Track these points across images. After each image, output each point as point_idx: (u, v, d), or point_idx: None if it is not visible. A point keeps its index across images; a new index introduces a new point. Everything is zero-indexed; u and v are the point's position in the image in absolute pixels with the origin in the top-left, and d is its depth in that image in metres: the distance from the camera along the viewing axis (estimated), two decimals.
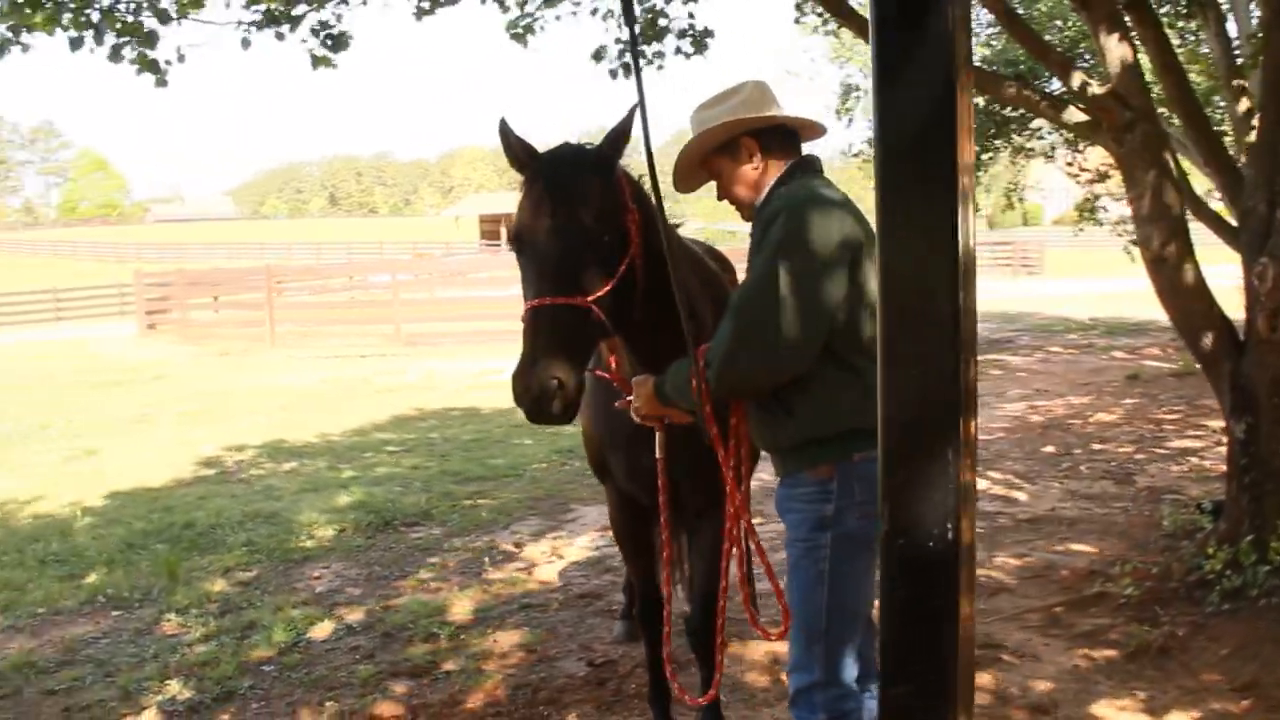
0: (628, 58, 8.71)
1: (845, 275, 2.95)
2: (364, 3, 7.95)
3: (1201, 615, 5.24)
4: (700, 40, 8.69)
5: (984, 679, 4.74)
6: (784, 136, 3.22)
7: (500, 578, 6.79)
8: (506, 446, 11.36)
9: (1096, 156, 14.84)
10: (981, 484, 8.54)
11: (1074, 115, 5.88)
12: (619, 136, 3.23)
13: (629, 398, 3.37)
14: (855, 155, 17.14)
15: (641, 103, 2.30)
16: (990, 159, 15.54)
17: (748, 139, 3.17)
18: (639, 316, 3.26)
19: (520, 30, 8.75)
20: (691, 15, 8.79)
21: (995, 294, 28.18)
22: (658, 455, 3.51)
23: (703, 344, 3.04)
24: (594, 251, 3.10)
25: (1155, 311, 6.88)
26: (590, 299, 3.05)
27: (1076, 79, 5.81)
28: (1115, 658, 4.92)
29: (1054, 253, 43.71)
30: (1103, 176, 14.92)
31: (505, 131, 3.23)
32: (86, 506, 9.49)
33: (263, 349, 23.92)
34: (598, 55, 8.93)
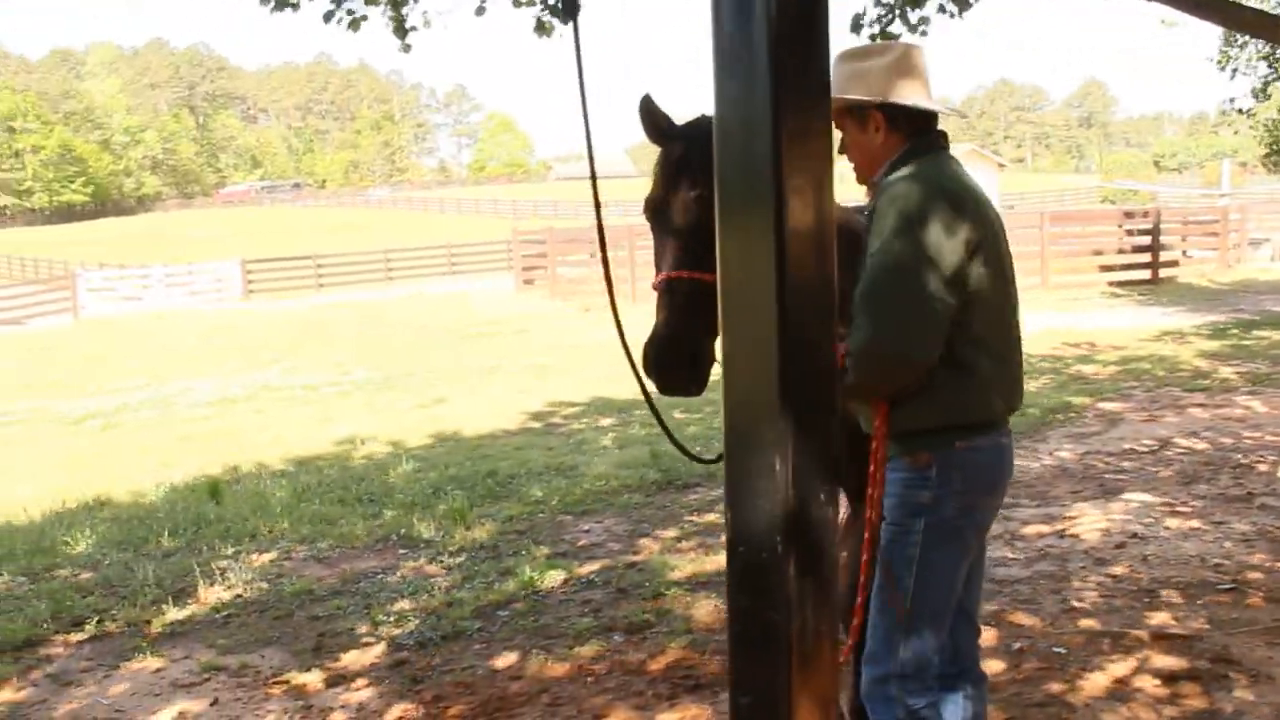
0: (886, 22, 8.40)
1: (961, 266, 2.81)
2: None
3: None
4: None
5: (1195, 699, 4.33)
6: (915, 112, 3.05)
7: None
8: None
9: None
10: None
11: None
12: None
13: None
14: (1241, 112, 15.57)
15: (582, 86, 2.35)
16: None
17: (875, 111, 3.03)
18: None
19: None
20: None
21: None
22: None
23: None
24: None
25: None
26: None
27: None
28: None
29: None
30: None
31: (648, 105, 3.24)
32: (411, 450, 10.32)
33: (623, 305, 24.74)
34: (855, 25, 8.61)
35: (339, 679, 5.08)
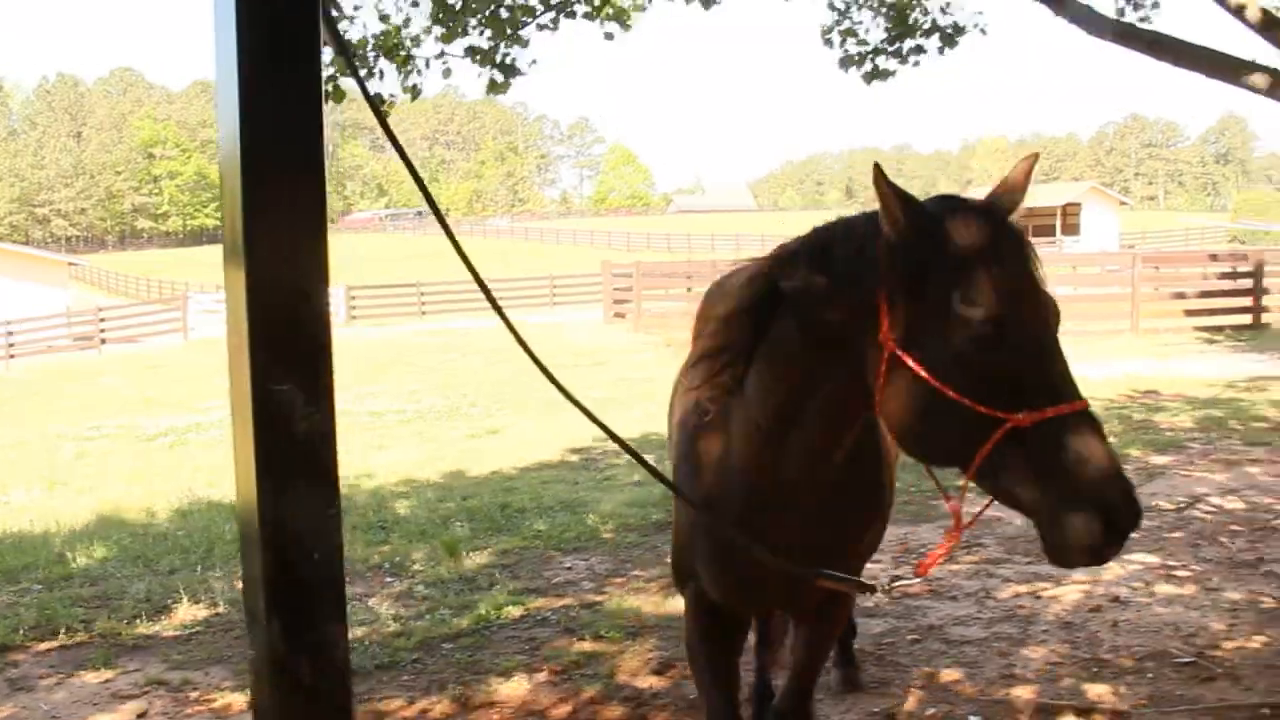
0: (880, 60, 8.38)
1: None
2: None
3: None
4: (950, 37, 8.21)
5: None
6: None
7: None
8: None
9: None
10: None
11: None
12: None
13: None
14: None
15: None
16: None
17: None
18: None
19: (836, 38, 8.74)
20: (945, 9, 8.31)
21: None
22: None
23: None
24: None
25: None
26: None
27: None
28: None
29: None
30: None
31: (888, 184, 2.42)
32: (435, 481, 10.51)
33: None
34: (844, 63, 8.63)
35: None
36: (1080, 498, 2.18)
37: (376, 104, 2.42)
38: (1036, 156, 2.61)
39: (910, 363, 2.35)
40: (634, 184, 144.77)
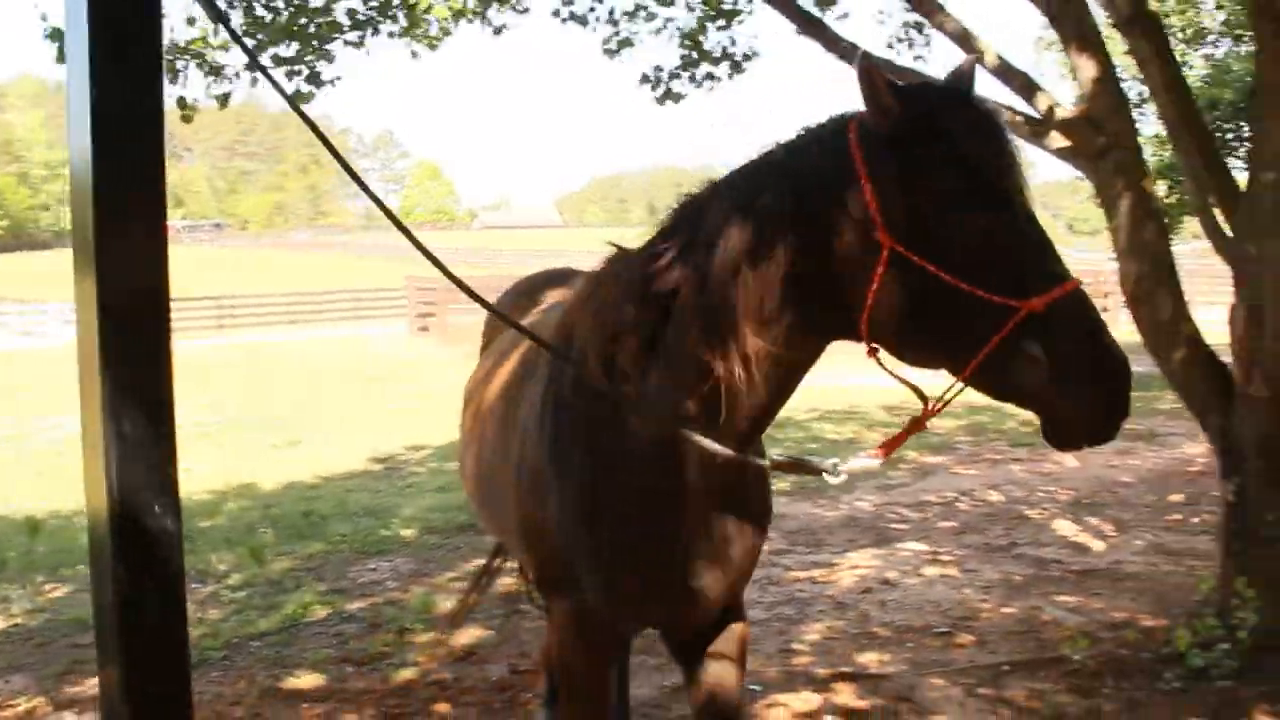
0: (675, 84, 8.93)
1: None
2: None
3: (1147, 692, 4.93)
4: (738, 64, 8.84)
5: None
6: None
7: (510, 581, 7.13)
8: None
9: None
10: (1066, 528, 8.18)
11: (1055, 140, 5.58)
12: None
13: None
14: None
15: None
16: None
17: None
18: None
19: (614, 47, 9.16)
20: (733, 41, 8.91)
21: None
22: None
23: None
24: None
25: None
26: None
27: (1043, 102, 5.53)
28: None
29: None
30: None
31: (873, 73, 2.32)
32: (238, 490, 10.51)
33: None
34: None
35: (70, 703, 5.27)
36: (1088, 377, 2.20)
37: (294, 101, 2.52)
38: (981, 56, 2.58)
39: (915, 259, 2.25)
40: (439, 199, 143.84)
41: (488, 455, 3.45)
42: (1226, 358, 5.25)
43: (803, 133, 2.52)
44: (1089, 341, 2.20)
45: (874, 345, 2.42)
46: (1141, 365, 4.96)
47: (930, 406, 2.54)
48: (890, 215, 2.27)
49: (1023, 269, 2.23)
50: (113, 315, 1.87)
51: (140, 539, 1.90)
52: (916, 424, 2.59)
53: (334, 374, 22.34)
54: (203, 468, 11.73)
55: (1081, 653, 5.30)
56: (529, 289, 4.49)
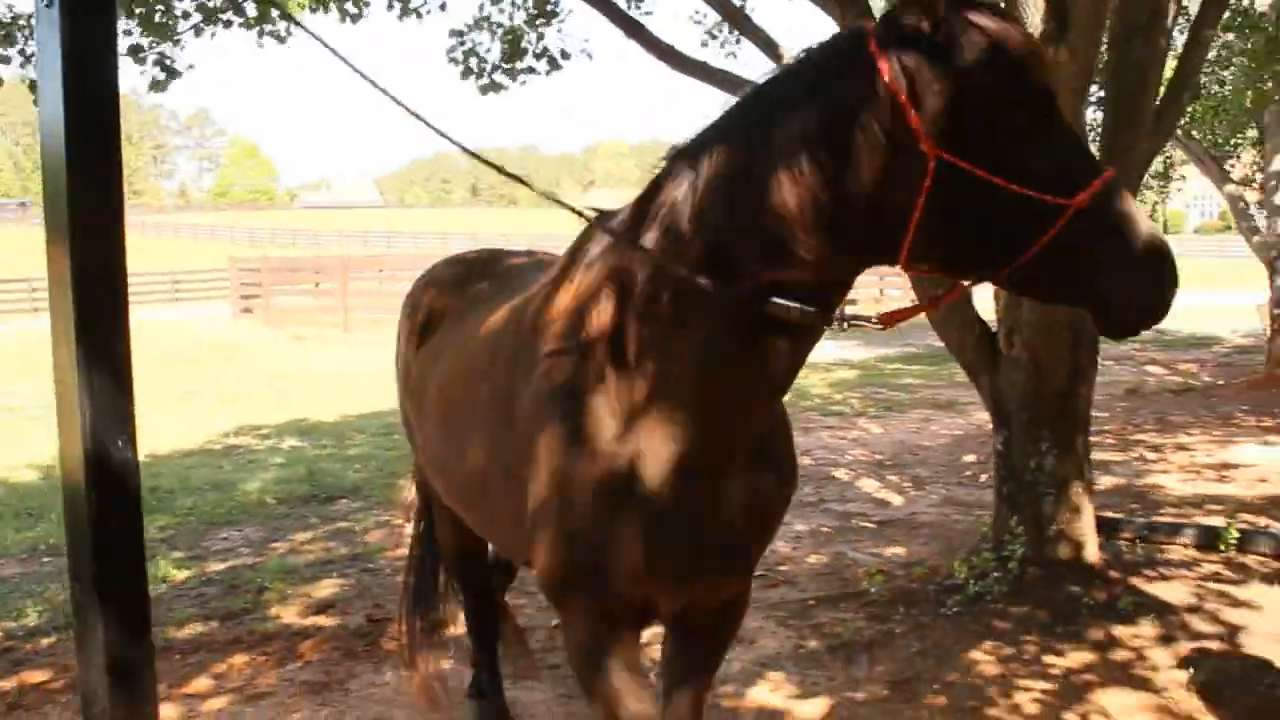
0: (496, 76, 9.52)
1: None
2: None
3: (932, 617, 5.69)
4: (555, 62, 9.50)
5: None
6: None
7: (371, 542, 7.58)
8: None
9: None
10: (870, 486, 9.04)
11: None
12: None
13: None
14: None
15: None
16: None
17: None
18: None
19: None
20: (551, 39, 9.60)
21: None
22: None
23: None
24: None
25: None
26: None
27: None
28: (818, 648, 5.39)
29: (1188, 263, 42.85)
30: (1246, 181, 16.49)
31: None
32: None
33: (335, 334, 25.26)
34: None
35: None
36: (1134, 259, 2.21)
37: (323, 39, 2.67)
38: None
39: (965, 166, 2.17)
40: (257, 178, 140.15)
41: (481, 458, 3.10)
42: (995, 328, 6.07)
43: (811, 53, 2.42)
44: (1131, 225, 2.21)
45: (912, 261, 2.35)
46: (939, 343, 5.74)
47: (945, 294, 2.82)
48: (933, 125, 2.19)
49: (1067, 166, 2.22)
50: (82, 286, 2.31)
51: (107, 466, 2.35)
52: (923, 306, 2.77)
53: (160, 357, 22.06)
54: (40, 450, 11.74)
55: (878, 587, 6.07)
56: (454, 281, 4.15)
